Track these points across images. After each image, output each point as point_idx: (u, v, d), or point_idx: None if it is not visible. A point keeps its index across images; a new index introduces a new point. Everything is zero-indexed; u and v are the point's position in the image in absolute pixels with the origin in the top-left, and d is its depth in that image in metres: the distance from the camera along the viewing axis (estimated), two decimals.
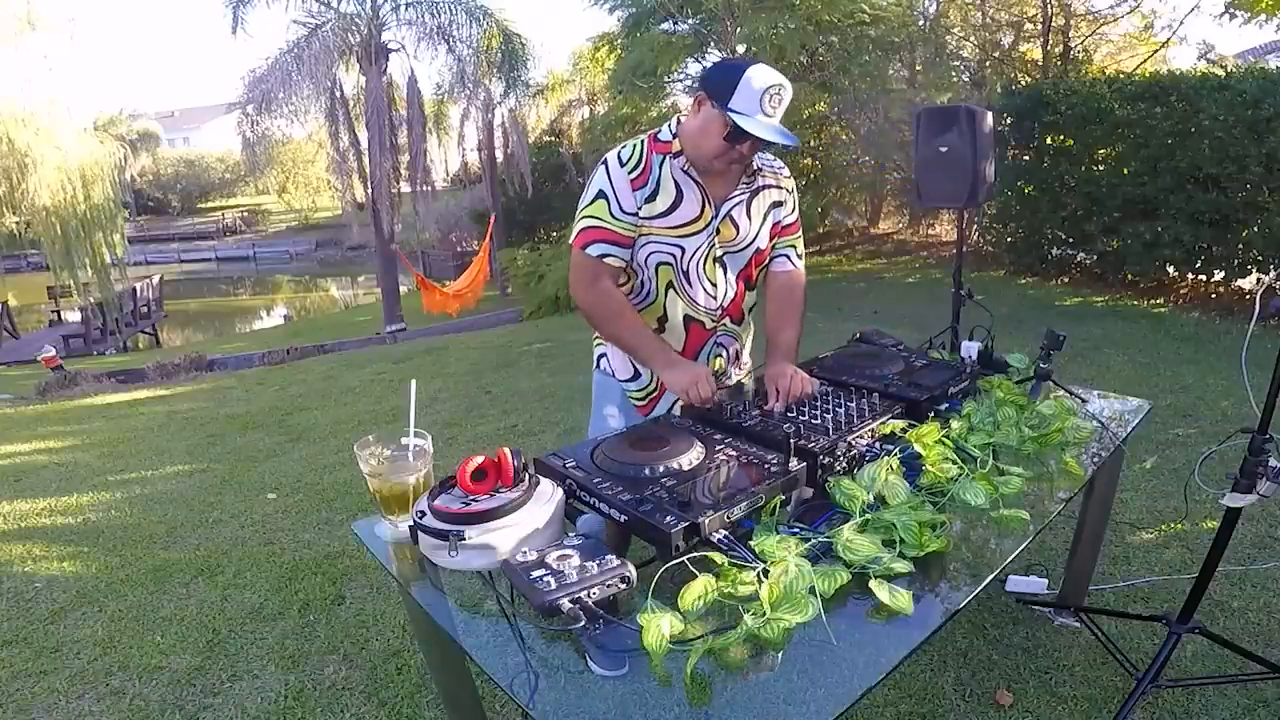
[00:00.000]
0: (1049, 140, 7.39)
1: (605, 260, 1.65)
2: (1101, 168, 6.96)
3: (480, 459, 1.20)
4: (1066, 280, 7.50)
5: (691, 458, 1.30)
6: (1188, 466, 3.00)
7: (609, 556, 1.03)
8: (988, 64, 11.41)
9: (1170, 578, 2.33)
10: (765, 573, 1.04)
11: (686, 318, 1.74)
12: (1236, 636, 1.99)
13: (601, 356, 1.88)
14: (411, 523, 1.15)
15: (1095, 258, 7.24)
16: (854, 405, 1.53)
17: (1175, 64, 10.66)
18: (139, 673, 2.21)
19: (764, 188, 1.76)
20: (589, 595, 0.97)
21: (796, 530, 1.17)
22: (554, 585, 0.97)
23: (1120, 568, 2.42)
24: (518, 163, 13.67)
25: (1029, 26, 11.34)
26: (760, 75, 1.50)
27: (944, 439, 1.40)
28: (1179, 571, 2.37)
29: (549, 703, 0.90)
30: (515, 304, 11.88)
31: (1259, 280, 5.92)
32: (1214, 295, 6.29)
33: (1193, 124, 5.89)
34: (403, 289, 13.68)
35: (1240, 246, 5.98)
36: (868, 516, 1.18)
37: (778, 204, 1.81)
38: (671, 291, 1.72)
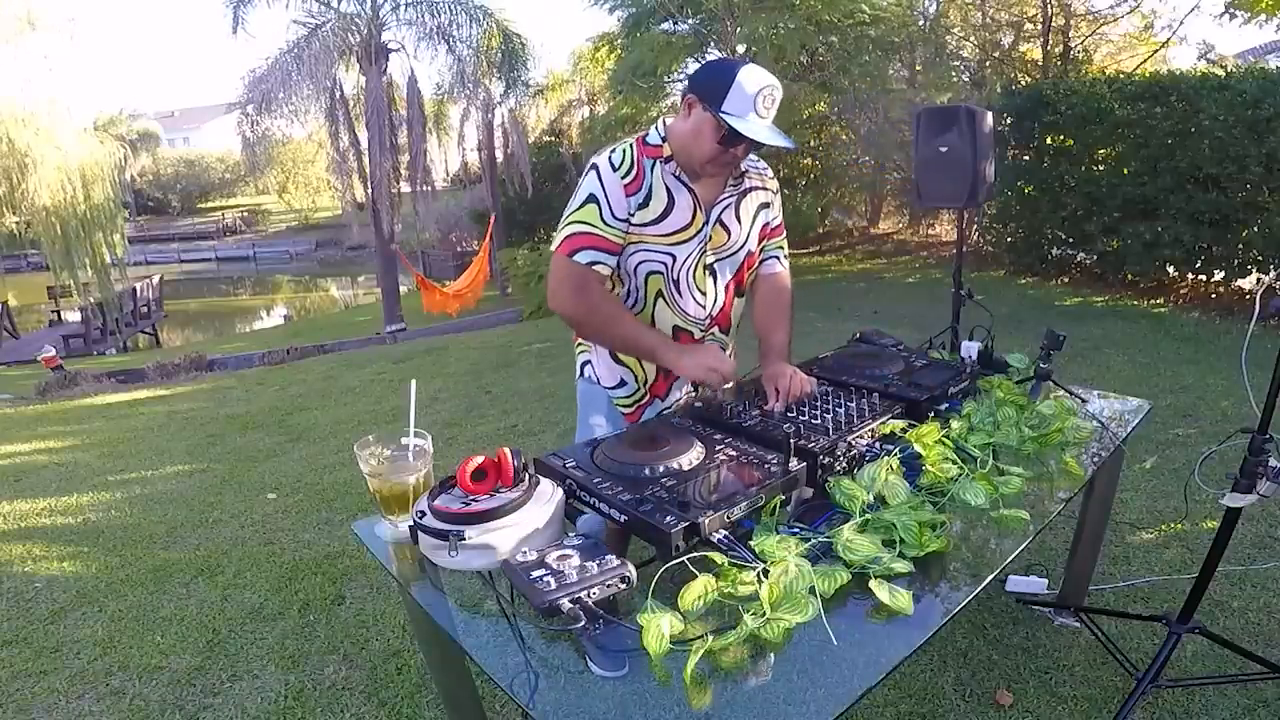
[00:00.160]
0: (1049, 140, 7.39)
1: (594, 268, 1.58)
2: (1101, 168, 6.96)
3: (480, 459, 1.20)
4: (1066, 280, 7.50)
5: (691, 458, 1.30)
6: (1188, 466, 3.00)
7: (609, 556, 1.03)
8: (988, 64, 11.42)
9: (1170, 578, 2.33)
10: (765, 573, 1.04)
11: (675, 328, 1.71)
12: (1236, 636, 1.99)
13: (585, 364, 1.82)
14: (411, 523, 1.15)
15: (1095, 258, 7.25)
16: (854, 405, 1.53)
17: (1175, 64, 10.69)
18: (139, 673, 2.21)
19: (751, 189, 1.73)
20: (589, 595, 0.97)
21: (796, 530, 1.17)
22: (554, 585, 0.97)
23: (1120, 568, 2.42)
24: (518, 163, 13.67)
25: (1029, 26, 11.35)
26: (752, 77, 1.47)
27: (944, 439, 1.40)
28: (1179, 571, 2.37)
29: (549, 703, 0.90)
30: (515, 304, 11.89)
31: (1259, 280, 5.92)
32: (1214, 295, 6.30)
33: (1193, 124, 5.89)
34: (403, 289, 13.68)
35: (1240, 246, 5.98)
36: (868, 516, 1.18)
37: (765, 205, 1.77)
38: (661, 301, 1.68)
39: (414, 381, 1.35)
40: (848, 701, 0.87)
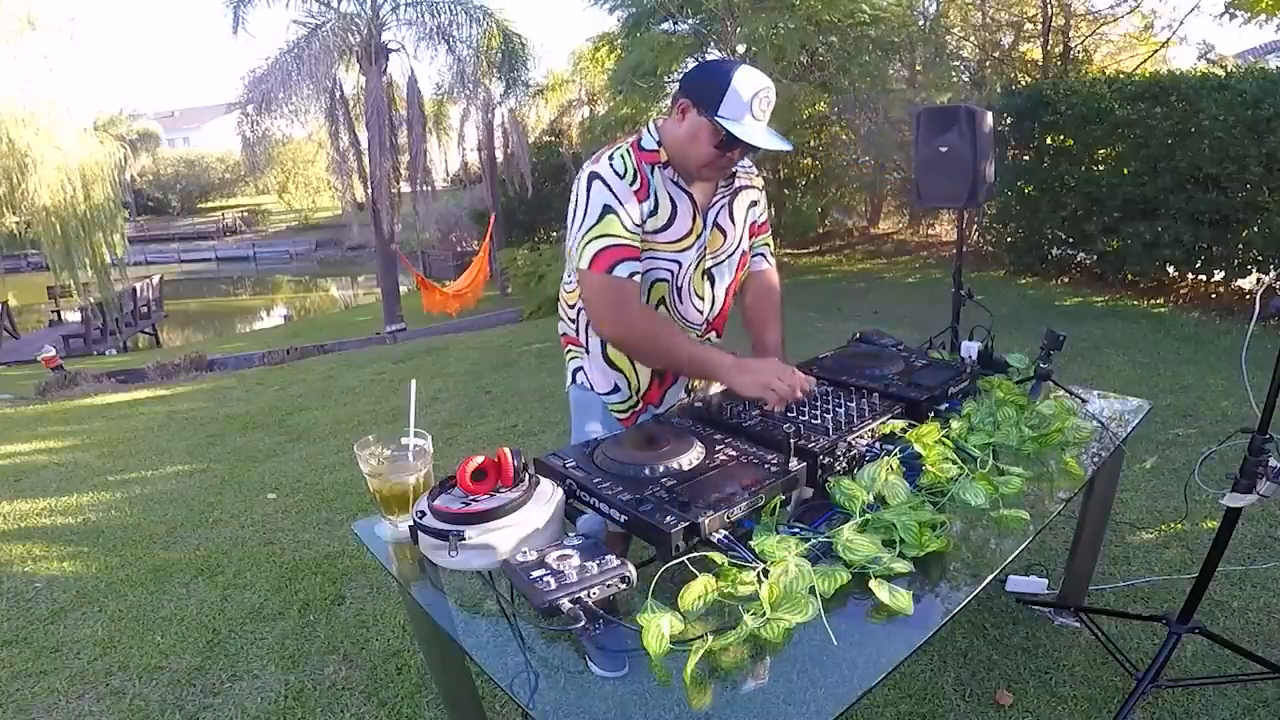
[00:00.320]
0: (1049, 140, 7.39)
1: (633, 279, 1.53)
2: (1101, 168, 6.96)
3: (480, 459, 1.19)
4: (1066, 280, 7.50)
5: (691, 458, 1.30)
6: (1188, 466, 3.00)
7: (609, 556, 1.03)
8: (988, 64, 11.42)
9: (1170, 578, 2.34)
10: (765, 573, 1.04)
11: None
12: (1236, 636, 1.99)
13: (578, 370, 1.77)
14: (411, 523, 1.15)
15: (1095, 258, 7.25)
16: (854, 405, 1.53)
17: (1175, 64, 10.68)
18: (139, 673, 2.21)
19: (741, 188, 1.72)
20: (589, 595, 0.97)
21: (796, 530, 1.17)
22: (554, 585, 0.97)
23: (1120, 568, 2.42)
24: (518, 163, 13.67)
25: (1029, 26, 11.35)
26: (747, 80, 1.44)
27: (944, 439, 1.40)
28: (1179, 571, 2.37)
29: (549, 703, 0.90)
30: (515, 304, 11.89)
31: (1259, 280, 5.92)
32: (1214, 295, 6.30)
33: (1193, 124, 5.89)
34: (403, 289, 13.68)
35: (1240, 246, 5.98)
36: (868, 516, 1.18)
37: (754, 203, 1.77)
38: (662, 308, 1.66)
39: (414, 381, 1.35)
40: (848, 701, 0.87)
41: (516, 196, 14.68)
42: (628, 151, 1.56)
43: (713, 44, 9.80)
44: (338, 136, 12.21)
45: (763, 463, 1.28)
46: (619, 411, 1.76)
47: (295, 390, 6.23)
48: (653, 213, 1.55)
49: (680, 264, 1.62)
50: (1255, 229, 5.74)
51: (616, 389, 1.74)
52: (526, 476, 1.20)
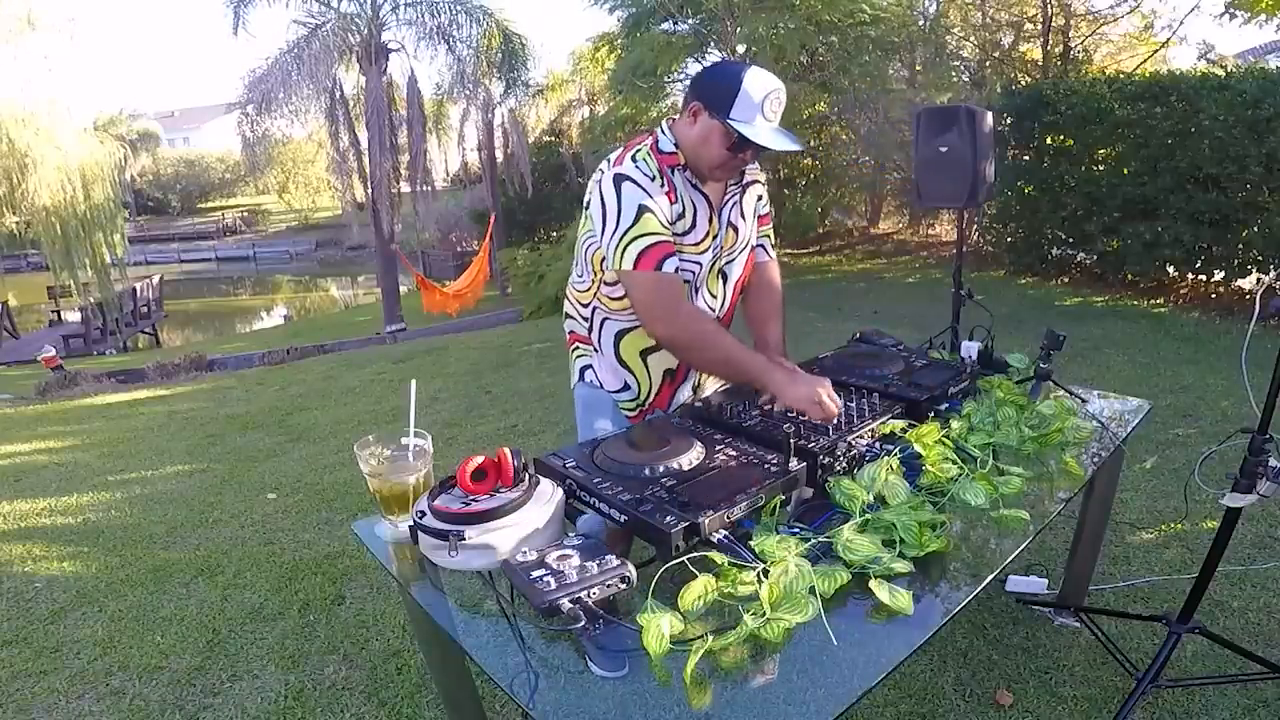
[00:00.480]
0: (1049, 140, 7.39)
1: (679, 274, 1.54)
2: (1101, 168, 6.96)
3: (480, 459, 1.20)
4: (1066, 280, 7.50)
5: (691, 458, 1.30)
6: (1188, 466, 3.00)
7: (609, 556, 1.03)
8: (988, 64, 11.42)
9: (1170, 578, 2.33)
10: (765, 573, 1.04)
11: None
12: (1236, 636, 1.99)
13: (586, 369, 1.78)
14: (411, 523, 1.15)
15: (1095, 258, 7.25)
16: (854, 405, 1.53)
17: (1175, 64, 10.68)
18: (139, 673, 2.21)
19: (749, 184, 1.74)
20: (589, 595, 0.97)
21: (796, 530, 1.17)
22: (554, 585, 0.97)
23: (1120, 568, 2.42)
24: (518, 163, 13.67)
25: (1029, 26, 11.34)
26: (758, 82, 1.46)
27: (944, 439, 1.40)
28: (1179, 571, 2.37)
29: (549, 703, 0.90)
30: (515, 304, 11.89)
31: (1259, 280, 5.92)
32: (1214, 295, 6.29)
33: (1193, 124, 5.89)
34: (403, 289, 13.68)
35: (1240, 246, 5.98)
36: (868, 516, 1.18)
37: (759, 197, 1.79)
38: None
39: (414, 381, 1.35)
40: (848, 701, 0.87)
41: (516, 196, 14.68)
42: (649, 154, 1.56)
43: (713, 44, 9.80)
44: (338, 136, 12.21)
45: (763, 463, 1.28)
46: (628, 409, 1.78)
47: (295, 390, 6.23)
48: (680, 215, 1.57)
49: (701, 265, 1.63)
50: (1255, 229, 5.73)
51: (626, 387, 1.75)
52: (526, 476, 1.21)
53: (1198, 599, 1.73)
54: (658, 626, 0.94)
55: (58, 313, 16.23)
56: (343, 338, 11.14)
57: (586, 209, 1.60)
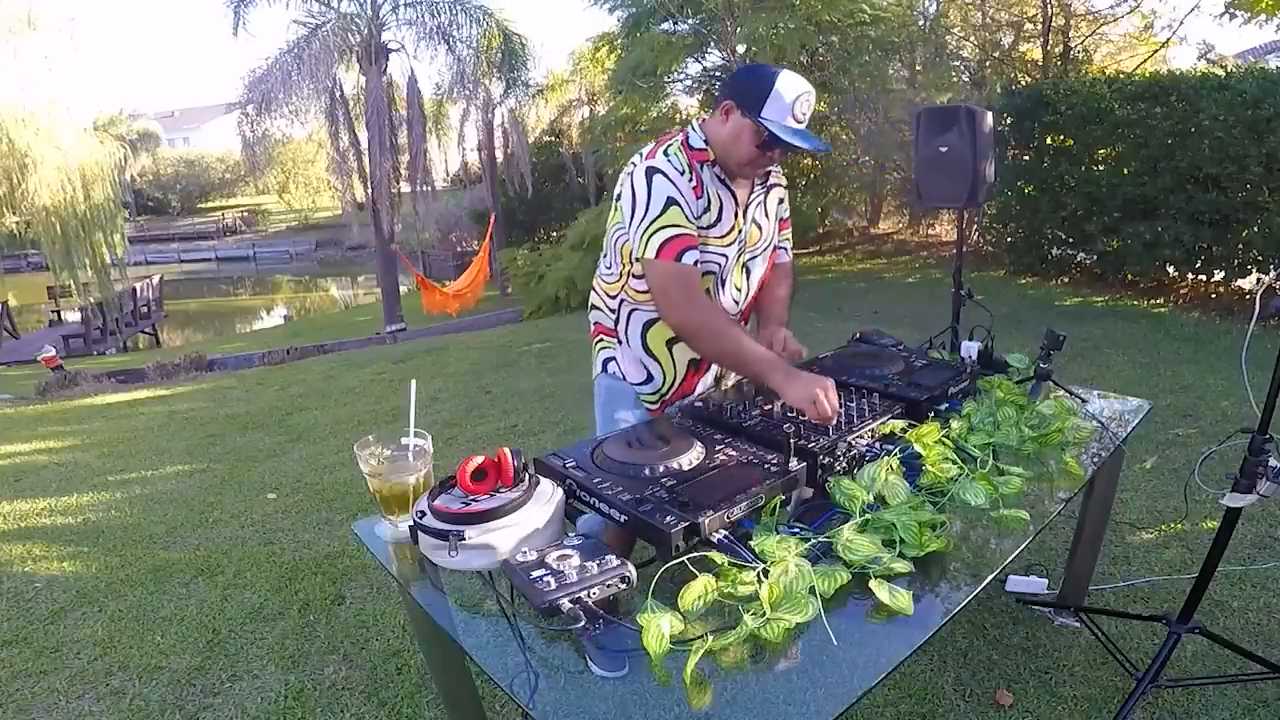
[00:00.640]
0: (1049, 140, 7.39)
1: (698, 267, 1.60)
2: (1101, 168, 6.95)
3: (480, 459, 1.20)
4: (1066, 280, 7.50)
5: (691, 458, 1.30)
6: (1188, 466, 3.00)
7: (609, 556, 1.03)
8: (988, 64, 11.41)
9: (1170, 578, 2.33)
10: (765, 573, 1.04)
11: None
12: (1236, 636, 1.99)
13: (609, 360, 1.82)
14: (411, 523, 1.15)
15: (1095, 258, 7.24)
16: (854, 405, 1.53)
17: (1175, 64, 10.67)
18: (139, 673, 2.21)
19: (772, 186, 1.81)
20: (589, 595, 0.97)
21: (796, 530, 1.17)
22: (554, 585, 0.97)
23: (1120, 568, 2.42)
24: (518, 163, 13.67)
25: (1029, 26, 11.34)
26: (790, 84, 1.52)
27: (944, 439, 1.40)
28: (1179, 571, 2.37)
29: (549, 703, 0.90)
30: (515, 304, 11.88)
31: (1259, 280, 5.92)
32: (1214, 295, 6.29)
33: (1193, 124, 5.88)
34: (403, 289, 13.68)
35: (1240, 246, 5.97)
36: (868, 516, 1.18)
37: (781, 200, 1.86)
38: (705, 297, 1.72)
39: (414, 381, 1.35)
40: (848, 701, 0.87)
41: (516, 196, 14.68)
42: (679, 149, 1.62)
43: (713, 44, 9.80)
44: (338, 136, 12.21)
45: (763, 463, 1.28)
46: (649, 401, 1.82)
47: (295, 390, 6.23)
48: (706, 209, 1.63)
49: (727, 257, 1.69)
50: (1255, 229, 5.73)
51: (650, 379, 1.80)
52: (526, 476, 1.21)
53: (1198, 599, 1.73)
54: (658, 626, 0.94)
55: (58, 313, 16.23)
56: (343, 338, 11.14)
57: (617, 201, 1.65)
